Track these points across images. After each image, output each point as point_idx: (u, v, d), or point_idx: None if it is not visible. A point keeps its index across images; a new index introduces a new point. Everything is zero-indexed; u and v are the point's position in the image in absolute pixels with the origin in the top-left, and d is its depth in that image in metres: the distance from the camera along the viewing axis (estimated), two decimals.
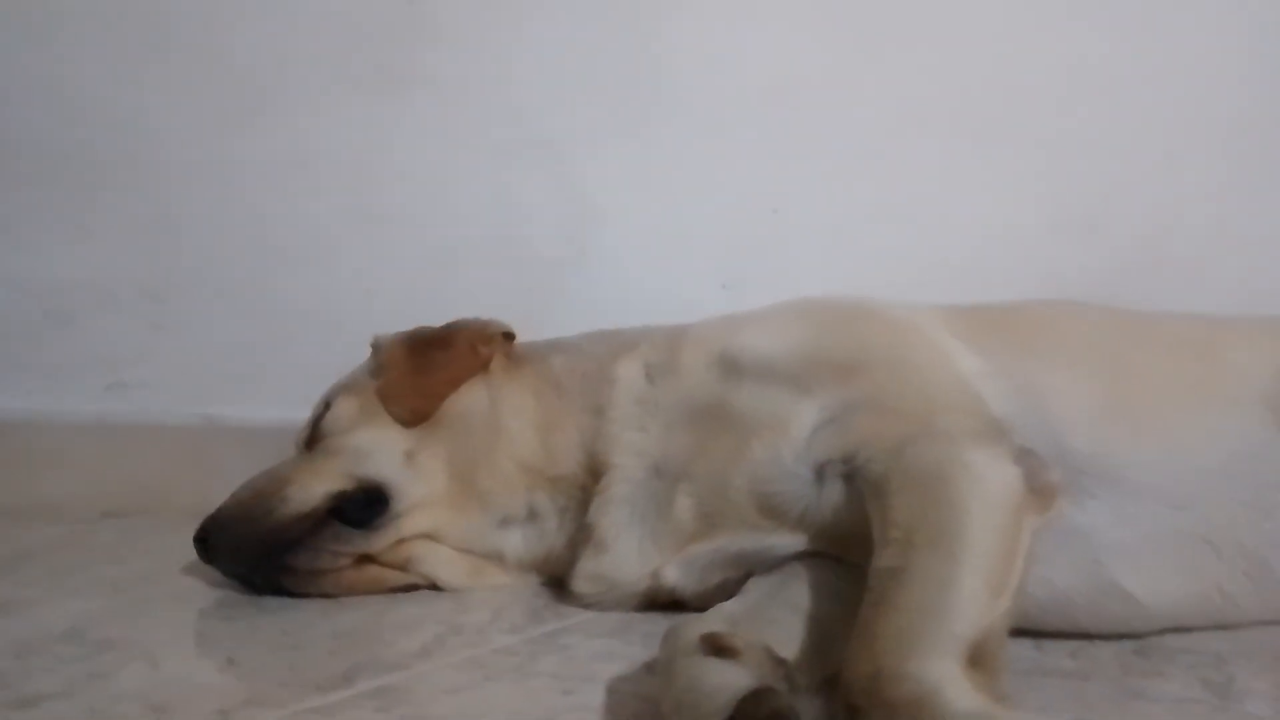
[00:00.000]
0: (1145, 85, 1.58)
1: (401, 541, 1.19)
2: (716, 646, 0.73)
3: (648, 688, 0.90)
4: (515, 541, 1.22)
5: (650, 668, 0.96)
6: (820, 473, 0.98)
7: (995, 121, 1.61)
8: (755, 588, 1.02)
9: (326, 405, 1.27)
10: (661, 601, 1.13)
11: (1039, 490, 0.88)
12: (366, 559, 1.18)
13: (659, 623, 1.08)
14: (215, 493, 1.21)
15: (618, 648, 1.03)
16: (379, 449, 1.20)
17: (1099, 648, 1.00)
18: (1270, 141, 1.58)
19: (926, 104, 1.61)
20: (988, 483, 0.84)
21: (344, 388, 1.29)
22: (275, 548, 1.14)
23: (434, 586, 1.22)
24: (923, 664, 0.68)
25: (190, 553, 1.20)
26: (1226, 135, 1.58)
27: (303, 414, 1.32)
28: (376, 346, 1.33)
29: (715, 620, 0.86)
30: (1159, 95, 1.58)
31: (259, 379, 1.69)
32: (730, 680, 0.67)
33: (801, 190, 1.64)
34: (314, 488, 1.16)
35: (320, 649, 1.02)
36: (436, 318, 1.33)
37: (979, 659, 0.71)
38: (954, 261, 1.60)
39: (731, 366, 1.11)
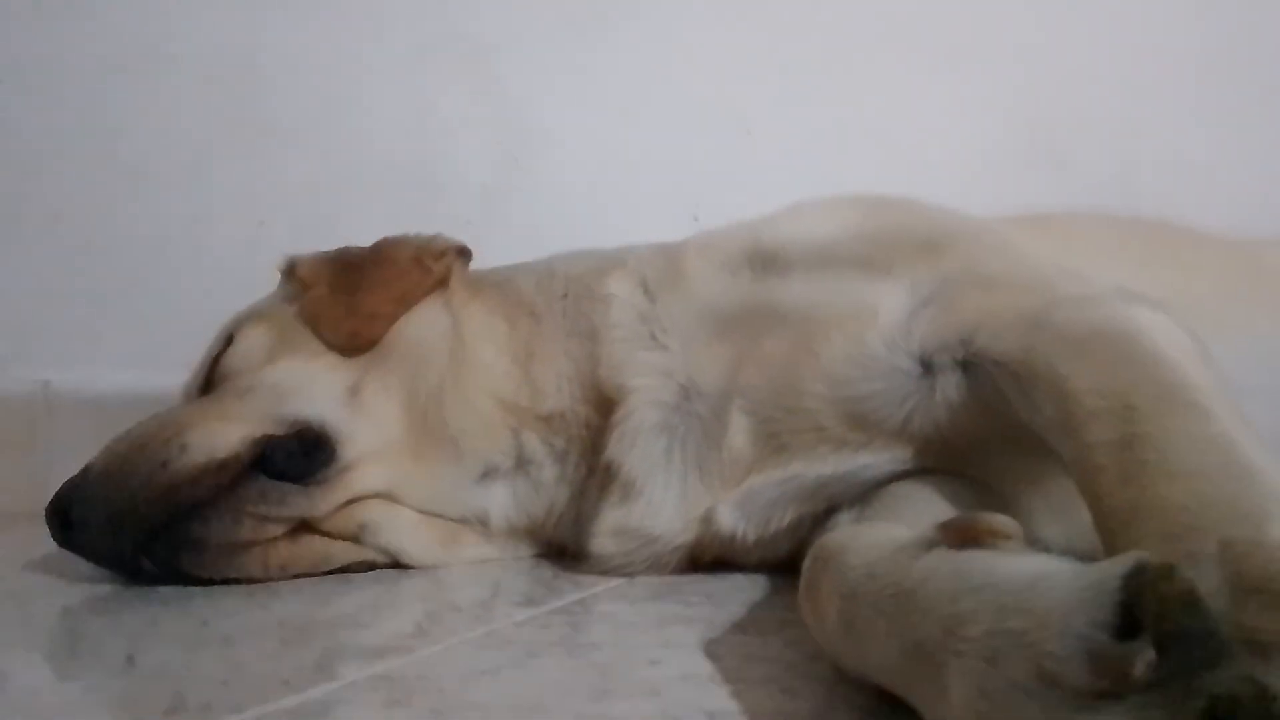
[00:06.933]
0: (1110, 13, 1.51)
1: (351, 503, 0.89)
2: (971, 534, 0.48)
3: (759, 648, 0.67)
4: (502, 498, 0.94)
5: (744, 627, 0.72)
6: (928, 364, 0.78)
7: (965, 40, 1.50)
8: (863, 516, 0.80)
9: (229, 340, 0.97)
10: (706, 558, 0.89)
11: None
12: (304, 527, 0.87)
13: (711, 583, 0.86)
14: (54, 480, 0.88)
15: (679, 610, 0.77)
16: (311, 383, 0.91)
17: None
18: (1231, 72, 1.54)
19: (897, 18, 1.48)
20: (1178, 337, 0.66)
21: (252, 315, 1.00)
22: (174, 513, 0.81)
23: (396, 564, 0.92)
24: None
25: (36, 548, 0.88)
26: (1189, 65, 1.53)
27: (171, 380, 1.01)
28: (291, 267, 1.04)
29: (880, 529, 0.62)
30: (1124, 22, 1.51)
31: (110, 335, 1.33)
32: (1042, 567, 0.43)
33: (775, 110, 1.45)
34: (227, 432, 0.84)
35: (266, 640, 0.70)
36: None
37: None
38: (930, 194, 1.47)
39: (770, 261, 0.89)
